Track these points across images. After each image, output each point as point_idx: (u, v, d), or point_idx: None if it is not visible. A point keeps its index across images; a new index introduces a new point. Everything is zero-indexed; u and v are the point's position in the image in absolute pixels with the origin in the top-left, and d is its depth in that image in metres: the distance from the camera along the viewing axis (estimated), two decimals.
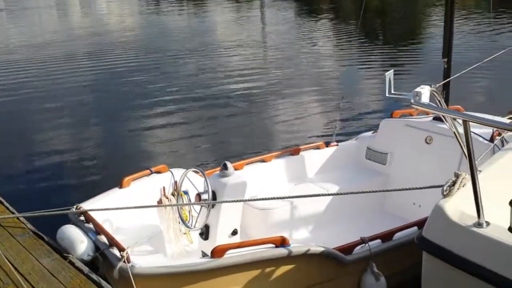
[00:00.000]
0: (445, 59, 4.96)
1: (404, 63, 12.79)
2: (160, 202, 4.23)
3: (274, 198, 4.16)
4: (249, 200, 4.08)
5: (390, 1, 25.48)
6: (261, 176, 4.95)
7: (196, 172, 4.32)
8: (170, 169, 4.62)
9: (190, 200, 4.23)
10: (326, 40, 16.66)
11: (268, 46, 16.24)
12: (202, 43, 16.56)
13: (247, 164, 4.99)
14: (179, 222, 4.17)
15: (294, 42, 16.19)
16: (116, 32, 19.32)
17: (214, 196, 3.91)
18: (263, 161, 5.11)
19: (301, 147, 5.39)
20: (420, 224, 3.82)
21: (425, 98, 3.13)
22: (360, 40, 15.74)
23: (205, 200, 3.86)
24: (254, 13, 24.35)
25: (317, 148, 5.41)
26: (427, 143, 5.04)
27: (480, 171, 3.06)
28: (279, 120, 9.03)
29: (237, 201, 3.87)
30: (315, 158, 5.33)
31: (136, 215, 4.08)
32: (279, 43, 16.21)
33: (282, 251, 3.41)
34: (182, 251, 4.24)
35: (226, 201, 3.85)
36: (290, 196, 4.32)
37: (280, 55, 14.29)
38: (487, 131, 4.52)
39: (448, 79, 4.79)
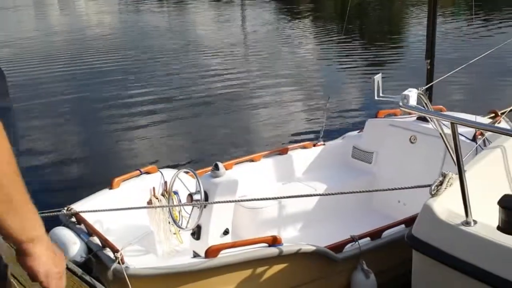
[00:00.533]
0: (428, 61, 5.05)
1: (389, 61, 12.92)
2: (150, 202, 4.25)
3: (266, 199, 4.20)
4: (242, 201, 4.12)
5: (371, 1, 25.67)
6: (250, 176, 4.99)
7: (187, 173, 4.34)
8: (160, 170, 4.64)
9: (180, 200, 4.26)
10: (310, 40, 16.72)
11: (253, 46, 16.22)
12: (187, 42, 16.49)
13: (236, 163, 5.04)
14: (169, 223, 4.20)
15: (278, 42, 16.19)
16: (97, 32, 19.11)
17: (206, 197, 3.95)
18: (252, 160, 5.15)
19: (289, 146, 5.45)
20: (408, 222, 3.91)
21: (412, 101, 3.20)
22: (344, 40, 15.84)
23: (197, 200, 3.89)
24: (235, 13, 24.31)
25: (305, 147, 5.47)
26: (412, 142, 5.14)
27: (465, 170, 3.16)
28: (267, 121, 9.04)
29: (230, 201, 3.91)
30: (303, 157, 5.39)
31: (127, 215, 4.08)
32: (263, 43, 16.21)
33: (274, 250, 3.46)
34: (173, 251, 4.27)
35: (219, 202, 3.89)
36: (281, 196, 4.37)
37: (265, 55, 14.28)
38: (470, 130, 4.63)
39: (432, 83, 4.89)
